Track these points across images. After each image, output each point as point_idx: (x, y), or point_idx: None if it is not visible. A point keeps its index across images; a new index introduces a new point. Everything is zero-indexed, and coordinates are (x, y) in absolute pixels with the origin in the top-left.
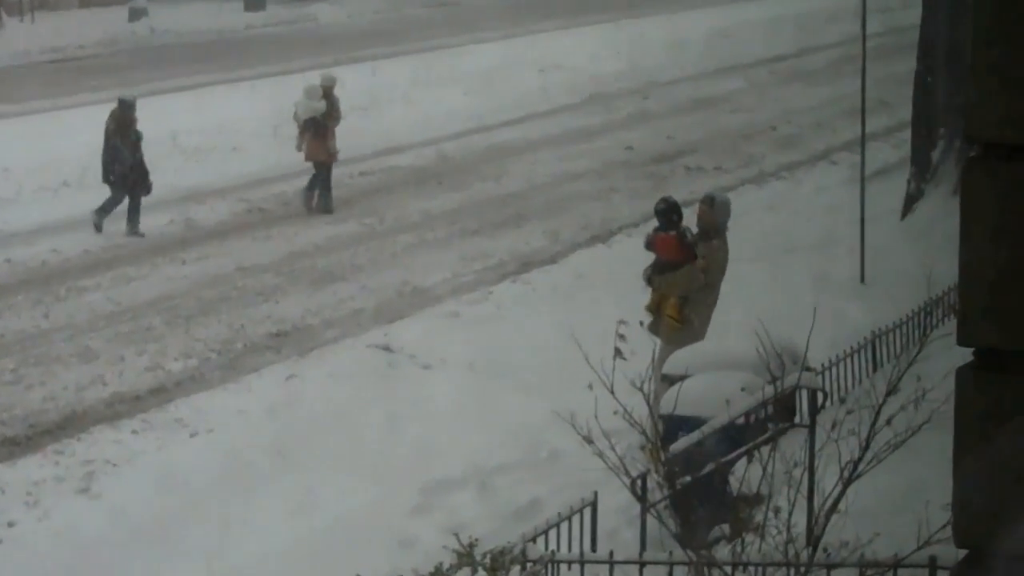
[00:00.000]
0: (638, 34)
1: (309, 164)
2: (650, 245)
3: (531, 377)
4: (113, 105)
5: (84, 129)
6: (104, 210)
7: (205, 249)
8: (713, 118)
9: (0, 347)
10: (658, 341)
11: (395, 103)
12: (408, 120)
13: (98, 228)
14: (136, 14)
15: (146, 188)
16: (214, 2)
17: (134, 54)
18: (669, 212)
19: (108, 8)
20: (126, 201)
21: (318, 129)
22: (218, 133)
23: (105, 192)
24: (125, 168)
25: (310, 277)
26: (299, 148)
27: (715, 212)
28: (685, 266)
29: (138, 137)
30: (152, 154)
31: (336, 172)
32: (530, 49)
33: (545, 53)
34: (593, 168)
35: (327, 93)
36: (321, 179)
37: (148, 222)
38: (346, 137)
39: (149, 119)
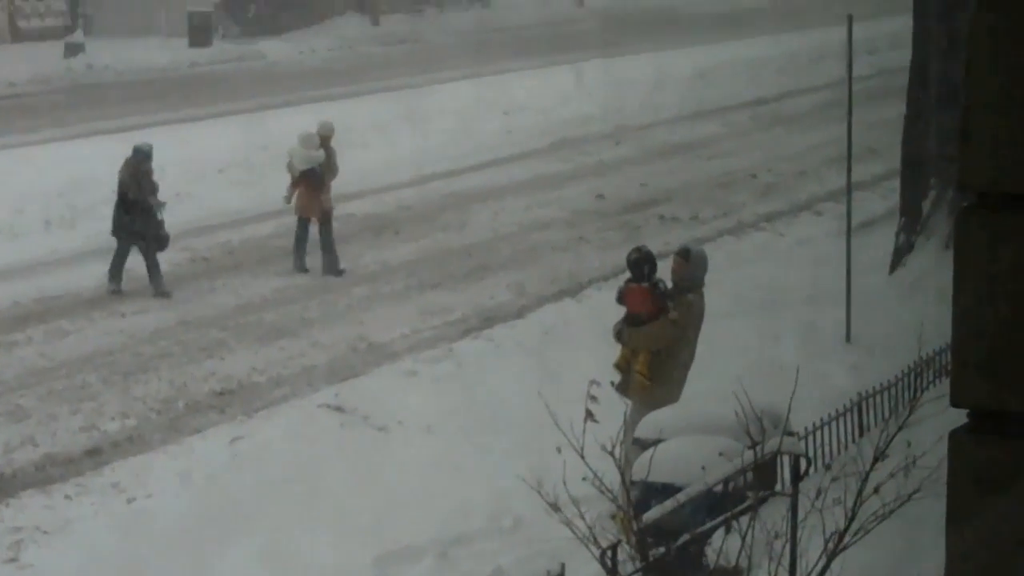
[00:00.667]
0: (611, 75)
1: (291, 217)
2: (621, 298)
3: (494, 440)
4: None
5: (13, 173)
6: (115, 271)
7: (145, 302)
8: (689, 165)
9: None
10: (628, 402)
11: (350, 147)
12: (364, 165)
13: (115, 291)
14: (72, 50)
15: (161, 242)
16: (157, 37)
17: (70, 93)
18: (642, 263)
19: (43, 44)
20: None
21: (313, 181)
22: (160, 177)
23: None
24: (137, 223)
25: (257, 332)
26: (288, 200)
27: (691, 265)
28: (657, 320)
29: (154, 189)
30: (89, 199)
31: (284, 220)
32: (495, 90)
33: (511, 95)
34: (561, 217)
35: (324, 143)
36: (323, 238)
37: (80, 272)
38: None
39: (85, 161)
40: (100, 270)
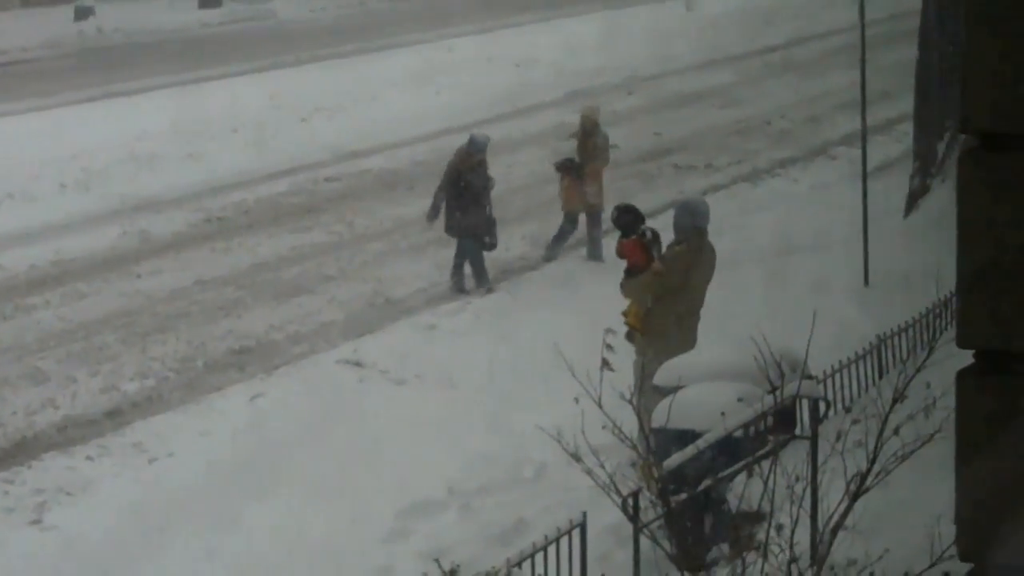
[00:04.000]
0: (620, 26)
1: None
2: (620, 253)
3: (513, 391)
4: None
5: (28, 138)
6: (477, 273)
7: (161, 262)
8: (702, 113)
9: None
10: (635, 351)
11: (363, 103)
12: (377, 121)
13: (459, 290)
14: (82, 13)
15: (490, 241)
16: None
17: (81, 56)
18: (622, 218)
19: (53, 8)
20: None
21: (571, 172)
22: (173, 138)
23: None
24: (468, 217)
25: (274, 290)
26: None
27: (681, 214)
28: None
29: (487, 184)
30: (103, 162)
31: (298, 178)
32: (505, 44)
33: (521, 48)
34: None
35: (589, 128)
36: (591, 232)
37: (95, 235)
38: (311, 140)
39: (98, 125)
40: (115, 231)
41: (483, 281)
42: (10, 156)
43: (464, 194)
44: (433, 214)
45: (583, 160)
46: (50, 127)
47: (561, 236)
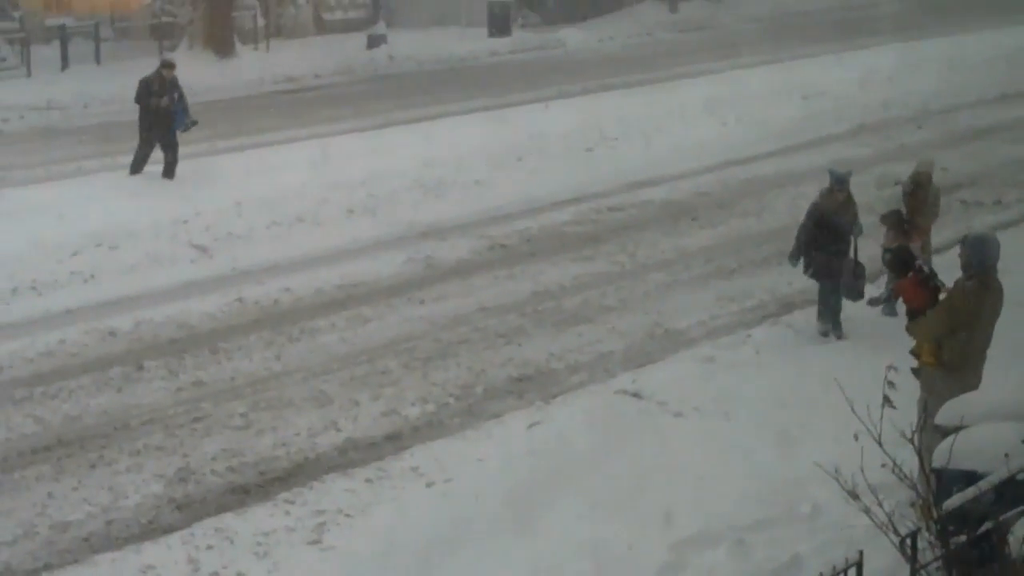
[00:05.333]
0: (910, 59)
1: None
2: (899, 294)
3: (792, 427)
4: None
5: (319, 162)
6: (823, 310)
7: (444, 288)
8: (993, 148)
9: (231, 390)
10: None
11: (648, 133)
12: (661, 151)
13: (828, 334)
14: (375, 41)
15: (852, 288)
16: (456, 28)
17: (372, 83)
18: (896, 261)
19: (346, 35)
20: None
21: (896, 224)
22: (460, 165)
23: None
24: (825, 258)
25: (555, 318)
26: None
27: (968, 250)
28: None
29: (853, 226)
30: (391, 188)
31: (582, 207)
32: (793, 75)
33: (809, 79)
34: (861, 202)
35: (923, 181)
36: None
37: (380, 260)
38: (596, 169)
39: (386, 151)
40: (400, 257)
41: (827, 324)
42: (300, 180)
43: (825, 235)
44: (795, 255)
45: (911, 213)
46: (339, 152)
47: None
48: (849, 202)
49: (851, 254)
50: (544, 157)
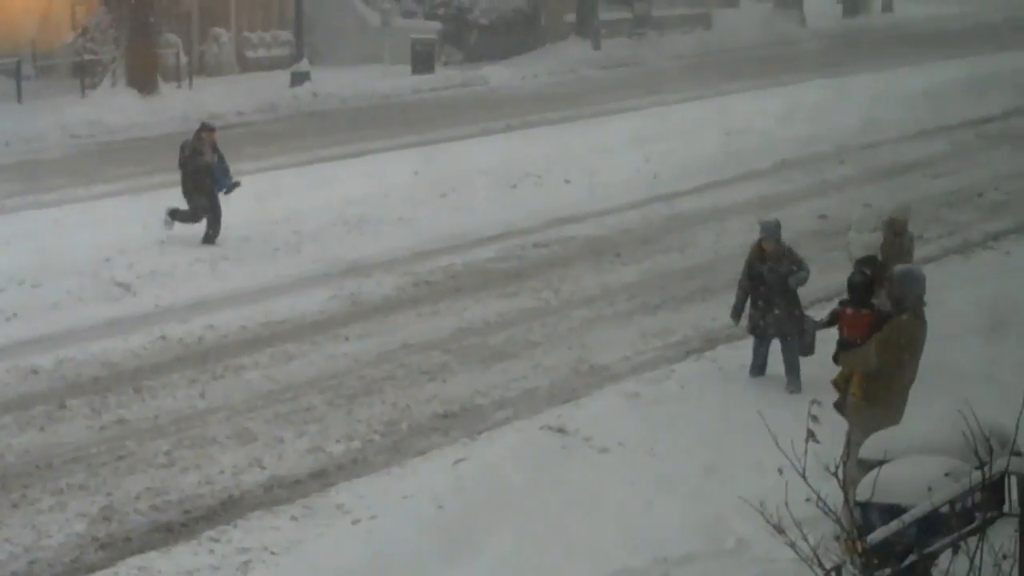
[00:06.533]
0: (832, 95)
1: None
2: (834, 320)
3: (717, 461)
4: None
5: (242, 200)
6: (756, 367)
7: (369, 325)
8: (914, 184)
9: (154, 428)
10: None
11: (572, 169)
12: (585, 188)
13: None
14: (298, 79)
15: (805, 343)
16: (380, 65)
17: (295, 120)
18: (867, 287)
19: (270, 73)
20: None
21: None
22: (384, 202)
23: None
24: (774, 315)
25: (480, 355)
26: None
27: (900, 285)
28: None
29: (787, 278)
30: (315, 225)
31: (507, 244)
32: (716, 111)
33: (732, 116)
34: (784, 238)
35: (898, 229)
36: None
37: (304, 297)
38: (520, 206)
39: (310, 188)
40: (325, 294)
41: (794, 384)
42: (223, 218)
43: (759, 288)
44: (736, 311)
45: (886, 260)
46: (263, 189)
47: None
48: (781, 253)
49: (790, 309)
50: (468, 193)
